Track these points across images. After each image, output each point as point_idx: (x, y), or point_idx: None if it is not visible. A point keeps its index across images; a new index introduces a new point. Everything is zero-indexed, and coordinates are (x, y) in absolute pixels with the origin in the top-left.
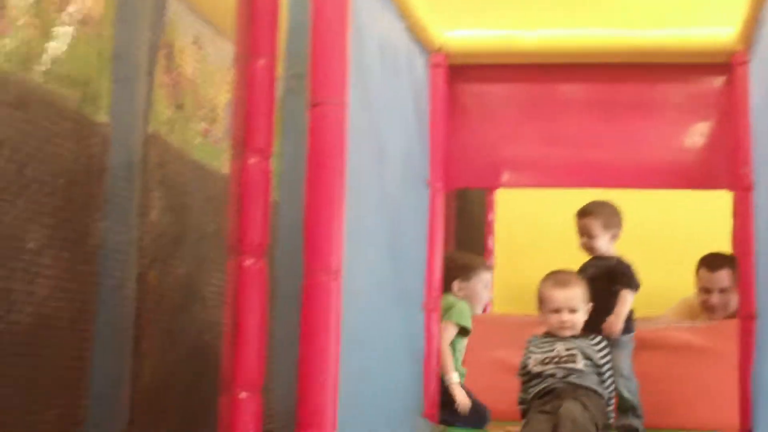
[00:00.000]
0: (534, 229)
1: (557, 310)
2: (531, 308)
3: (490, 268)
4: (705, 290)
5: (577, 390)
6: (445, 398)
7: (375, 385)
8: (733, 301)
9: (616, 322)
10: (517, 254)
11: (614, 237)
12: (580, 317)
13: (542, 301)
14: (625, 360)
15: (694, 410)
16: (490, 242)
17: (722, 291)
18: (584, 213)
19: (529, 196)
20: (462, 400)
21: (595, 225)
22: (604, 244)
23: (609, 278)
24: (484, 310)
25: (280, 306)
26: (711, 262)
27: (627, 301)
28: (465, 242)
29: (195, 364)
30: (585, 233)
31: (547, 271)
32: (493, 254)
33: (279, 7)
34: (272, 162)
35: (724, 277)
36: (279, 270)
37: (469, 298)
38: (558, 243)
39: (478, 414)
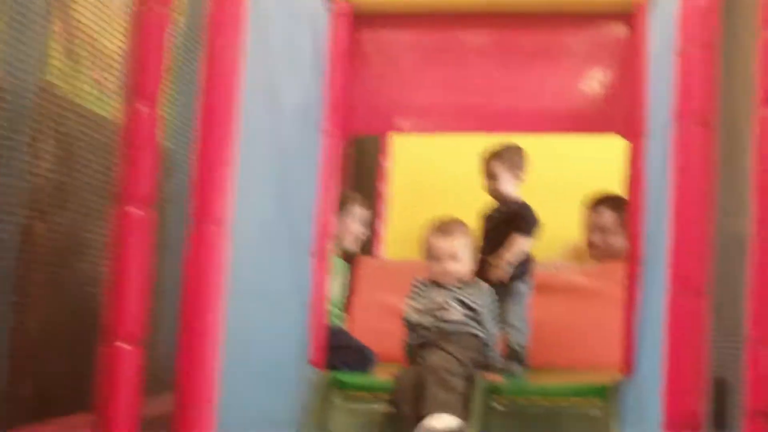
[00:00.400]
0: (432, 176)
1: (438, 258)
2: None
3: (363, 204)
4: (587, 229)
5: (446, 337)
6: (331, 342)
7: (262, 333)
8: (617, 242)
9: (500, 265)
10: (414, 200)
11: (518, 179)
12: (463, 266)
13: (426, 249)
14: (514, 308)
15: (581, 350)
16: (383, 188)
17: (602, 230)
18: (489, 155)
19: (428, 142)
20: None
21: (499, 167)
22: (509, 187)
23: (510, 223)
24: (369, 252)
25: (171, 256)
26: (591, 201)
27: (516, 244)
28: (360, 188)
29: (79, 316)
30: (489, 175)
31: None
32: (387, 200)
33: None
34: (165, 111)
35: (603, 215)
36: (170, 219)
37: (341, 234)
38: (456, 189)
39: (364, 357)
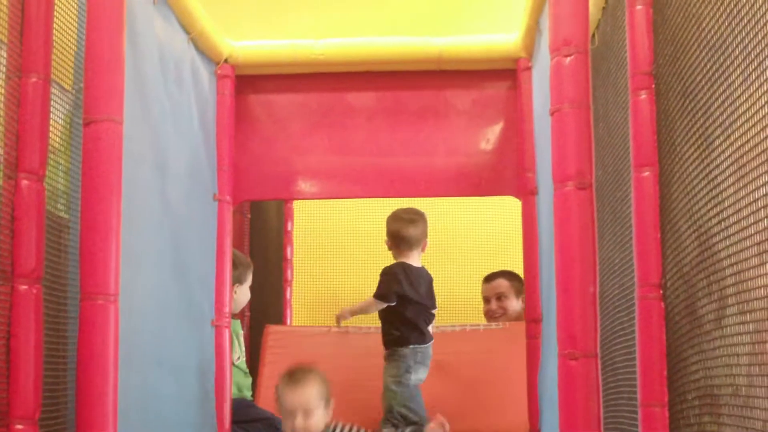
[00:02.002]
0: (333, 238)
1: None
2: (329, 320)
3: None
4: (485, 300)
5: None
6: (239, 415)
7: (161, 405)
8: (513, 306)
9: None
10: (317, 264)
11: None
12: (317, 422)
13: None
14: (389, 372)
15: (489, 413)
16: (288, 253)
17: (499, 298)
18: (404, 222)
19: (327, 205)
20: None
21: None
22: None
23: None
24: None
25: (71, 330)
26: (488, 275)
27: (366, 302)
28: (261, 253)
29: None
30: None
31: (344, 283)
32: (292, 264)
33: (51, 20)
34: (61, 181)
35: (499, 284)
36: (71, 292)
37: (239, 299)
38: (358, 251)
39: (274, 429)
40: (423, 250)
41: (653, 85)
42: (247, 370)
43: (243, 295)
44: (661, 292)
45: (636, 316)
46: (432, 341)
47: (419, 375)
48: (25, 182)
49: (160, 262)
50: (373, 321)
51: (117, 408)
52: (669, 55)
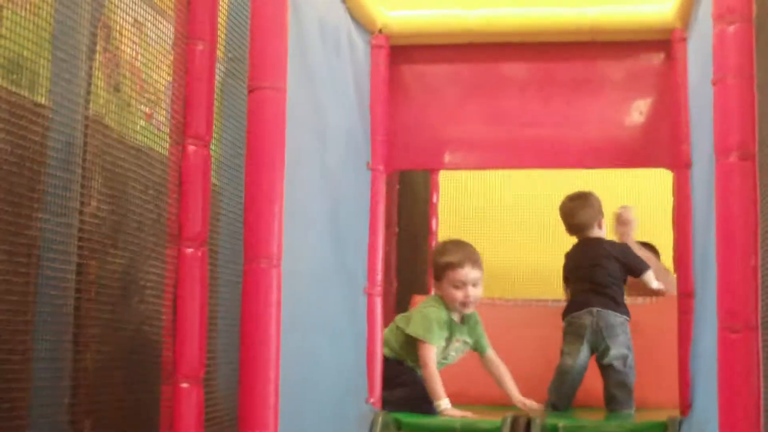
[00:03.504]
0: (479, 210)
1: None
2: None
3: (467, 262)
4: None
5: None
6: (391, 382)
7: (319, 371)
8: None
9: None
10: (461, 235)
11: None
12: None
13: None
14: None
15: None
16: (433, 224)
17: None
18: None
19: (474, 176)
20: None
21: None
22: None
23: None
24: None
25: (223, 293)
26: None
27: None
28: (409, 224)
29: (136, 355)
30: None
31: (489, 254)
32: (436, 236)
33: None
34: (213, 148)
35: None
36: (222, 257)
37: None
38: (502, 222)
39: (427, 401)
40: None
41: None
42: None
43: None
44: None
45: None
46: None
47: None
48: (192, 147)
49: (320, 229)
50: (521, 293)
51: (279, 371)
52: None
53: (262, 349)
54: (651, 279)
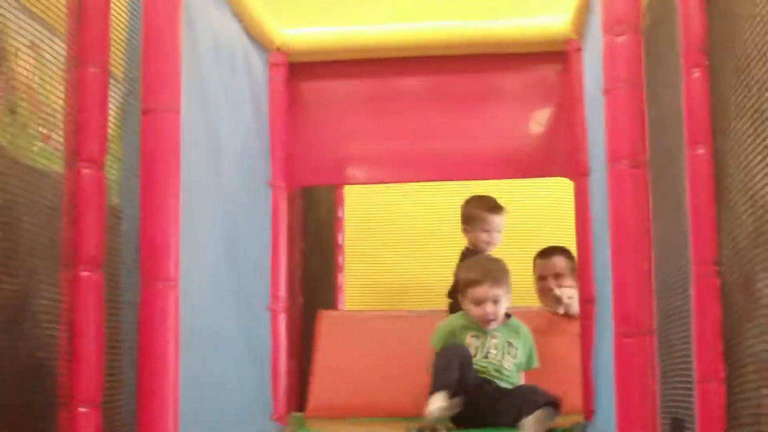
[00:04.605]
0: (384, 223)
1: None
2: (381, 304)
3: (487, 280)
4: (541, 278)
5: None
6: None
7: (219, 389)
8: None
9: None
10: (368, 249)
11: None
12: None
13: None
14: None
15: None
16: (340, 238)
17: (556, 277)
18: (490, 207)
19: (377, 191)
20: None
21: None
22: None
23: None
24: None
25: (124, 315)
26: (544, 251)
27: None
28: (315, 239)
29: (30, 381)
30: (496, 229)
31: (396, 267)
32: (344, 251)
33: (109, 11)
34: (112, 168)
35: (558, 262)
36: (124, 278)
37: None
38: (408, 235)
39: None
40: None
41: (706, 63)
42: None
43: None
44: (717, 268)
45: (692, 293)
46: None
47: None
48: (86, 170)
49: (216, 247)
50: (427, 304)
51: (178, 391)
52: (722, 31)
53: (160, 370)
54: None
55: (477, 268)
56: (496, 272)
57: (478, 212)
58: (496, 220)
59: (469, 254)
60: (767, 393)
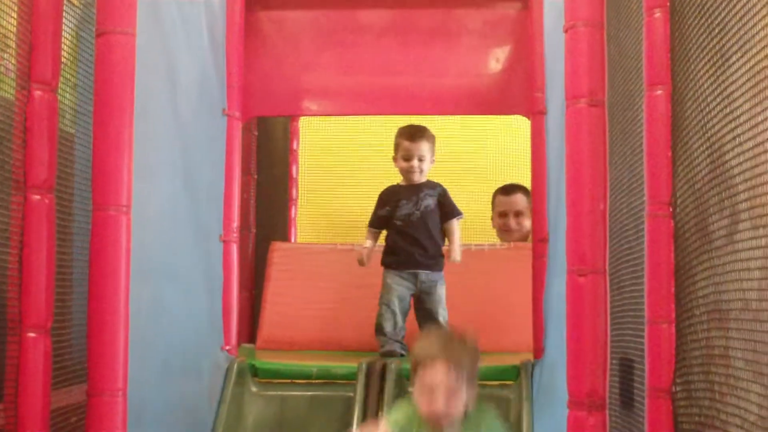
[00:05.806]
0: (338, 156)
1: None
2: (333, 237)
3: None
4: (502, 214)
5: None
6: None
7: (170, 318)
8: (527, 226)
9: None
10: (321, 182)
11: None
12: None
13: None
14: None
15: (495, 333)
16: (294, 170)
17: (517, 214)
18: (415, 135)
19: (332, 123)
20: None
21: (426, 148)
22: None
23: (442, 207)
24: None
25: (77, 242)
26: (506, 187)
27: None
28: (269, 171)
29: None
30: (419, 157)
31: (349, 201)
32: (297, 183)
33: None
34: (67, 94)
35: (519, 200)
36: (77, 204)
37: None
38: (362, 169)
39: None
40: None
41: (668, 3)
42: None
43: None
44: (671, 209)
45: (645, 233)
46: None
47: None
48: (38, 93)
49: (170, 176)
50: (380, 239)
51: (129, 319)
52: None
53: (110, 298)
54: None
55: (431, 344)
56: (453, 350)
57: (398, 140)
58: (414, 147)
59: (388, 189)
60: (717, 335)
